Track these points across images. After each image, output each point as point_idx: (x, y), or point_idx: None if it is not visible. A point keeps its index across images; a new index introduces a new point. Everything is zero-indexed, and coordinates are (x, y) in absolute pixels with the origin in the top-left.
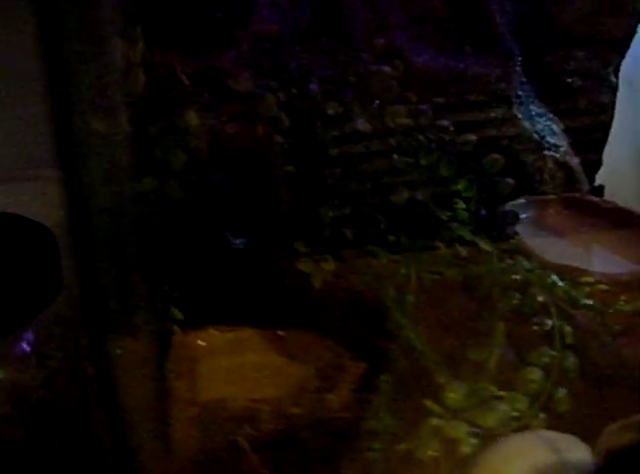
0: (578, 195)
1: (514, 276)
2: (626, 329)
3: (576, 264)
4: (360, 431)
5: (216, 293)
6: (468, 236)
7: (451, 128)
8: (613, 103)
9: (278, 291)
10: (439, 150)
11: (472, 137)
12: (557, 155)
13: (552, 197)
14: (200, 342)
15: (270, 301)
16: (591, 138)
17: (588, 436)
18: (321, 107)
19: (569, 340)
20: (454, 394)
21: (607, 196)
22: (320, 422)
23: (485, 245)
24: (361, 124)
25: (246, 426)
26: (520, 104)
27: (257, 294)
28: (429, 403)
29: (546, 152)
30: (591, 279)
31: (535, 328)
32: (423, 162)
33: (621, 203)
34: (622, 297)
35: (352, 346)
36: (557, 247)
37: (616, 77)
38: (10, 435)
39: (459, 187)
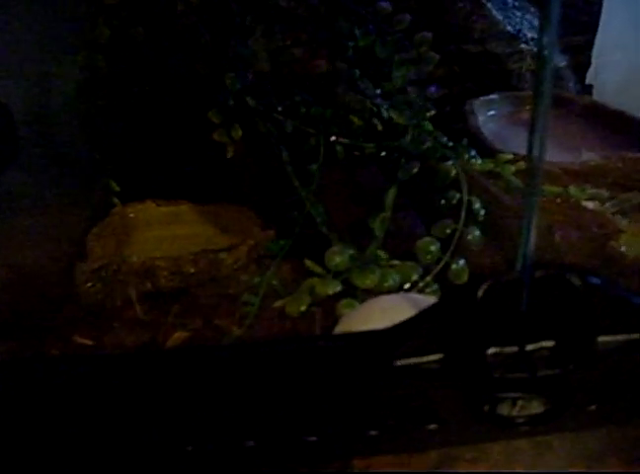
0: (556, 91)
1: (424, 147)
2: (564, 216)
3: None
4: (244, 288)
5: (154, 168)
6: (385, 112)
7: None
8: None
9: (200, 165)
10: (376, 33)
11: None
12: (535, 49)
13: (529, 92)
14: (132, 214)
15: (199, 176)
16: (578, 35)
17: None
18: None
19: (479, 217)
20: (339, 257)
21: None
22: (212, 280)
23: (399, 118)
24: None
25: (147, 281)
26: None
27: (189, 169)
28: (310, 263)
29: (524, 46)
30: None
31: (443, 201)
32: (361, 43)
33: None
34: (566, 187)
35: (265, 215)
36: (520, 138)
37: None
38: None
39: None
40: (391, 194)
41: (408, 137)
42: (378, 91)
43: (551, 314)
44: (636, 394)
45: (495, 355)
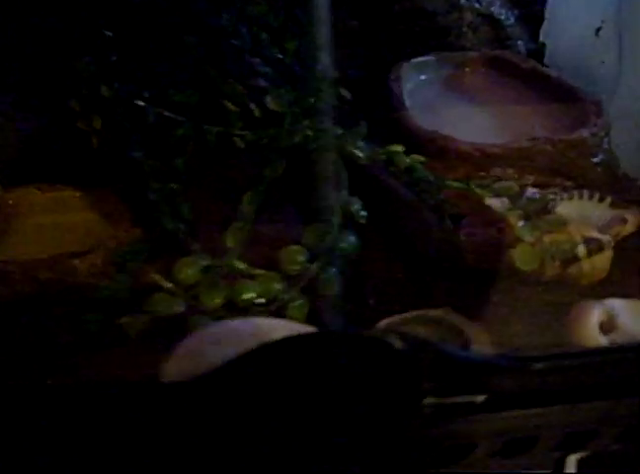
0: (498, 52)
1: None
2: (471, 212)
3: (454, 130)
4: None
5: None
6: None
7: None
8: None
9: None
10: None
11: None
12: (478, 5)
13: (471, 54)
14: (12, 201)
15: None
16: None
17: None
18: None
19: (359, 218)
20: (190, 269)
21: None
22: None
23: (275, 106)
24: None
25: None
26: None
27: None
28: (157, 277)
29: (463, 1)
30: (461, 148)
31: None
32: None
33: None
34: (488, 171)
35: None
36: (449, 109)
37: None
38: None
39: None
40: (249, 198)
41: (285, 125)
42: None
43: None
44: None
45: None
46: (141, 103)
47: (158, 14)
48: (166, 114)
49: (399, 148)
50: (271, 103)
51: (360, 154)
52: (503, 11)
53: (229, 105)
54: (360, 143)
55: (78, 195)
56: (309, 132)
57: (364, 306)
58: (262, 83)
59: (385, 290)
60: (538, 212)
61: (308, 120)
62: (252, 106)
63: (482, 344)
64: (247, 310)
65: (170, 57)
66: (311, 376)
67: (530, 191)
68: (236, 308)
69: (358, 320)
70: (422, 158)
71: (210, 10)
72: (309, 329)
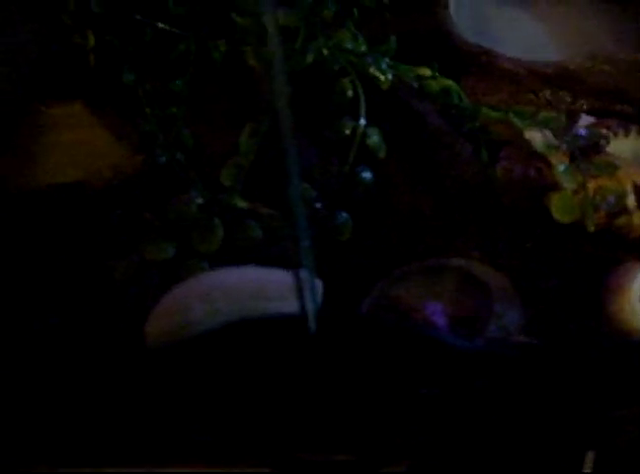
0: None
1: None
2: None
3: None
4: None
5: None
6: None
7: None
8: None
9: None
10: None
11: None
12: None
13: None
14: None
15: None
16: None
17: None
18: None
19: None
20: (184, 207)
21: None
22: None
23: (287, 20)
24: None
25: None
26: None
27: None
28: (147, 215)
29: None
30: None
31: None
32: None
33: None
34: (537, 93)
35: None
36: (500, 16)
37: None
38: None
39: None
40: (249, 130)
41: (298, 42)
42: None
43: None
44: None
45: None
46: (137, 16)
47: None
48: (165, 28)
49: (427, 72)
50: (282, 16)
51: (382, 78)
52: None
53: (238, 18)
54: (384, 65)
55: (86, 110)
56: (325, 51)
57: (384, 246)
58: None
59: (409, 228)
60: (586, 151)
61: (324, 38)
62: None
63: (507, 300)
64: (246, 253)
65: None
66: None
67: (581, 124)
68: (235, 250)
69: (372, 265)
70: (451, 83)
71: None
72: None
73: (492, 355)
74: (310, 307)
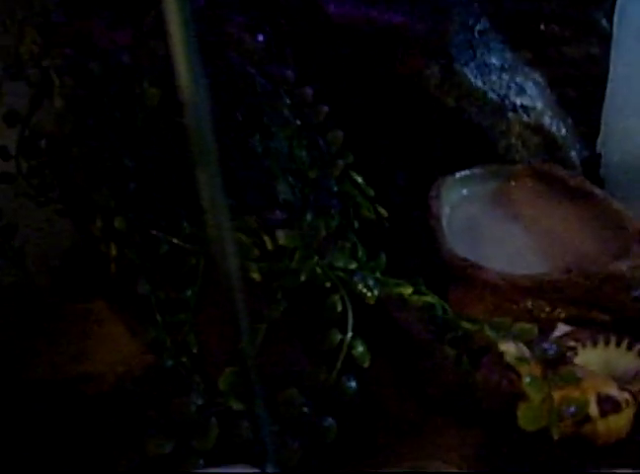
0: (546, 165)
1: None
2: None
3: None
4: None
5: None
6: None
7: None
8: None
9: None
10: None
11: None
12: (526, 118)
13: (517, 167)
14: None
15: None
16: (581, 96)
17: None
18: None
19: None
20: (186, 409)
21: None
22: None
23: (285, 241)
24: None
25: None
26: (471, 58)
27: None
28: (153, 414)
29: (510, 114)
30: (487, 278)
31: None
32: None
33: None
34: (518, 303)
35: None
36: (491, 227)
37: (609, 22)
38: None
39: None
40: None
41: (294, 261)
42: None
43: None
44: None
45: None
46: (155, 233)
47: (179, 145)
48: (179, 243)
49: (409, 290)
50: (281, 238)
51: (369, 294)
52: (554, 121)
53: (244, 237)
54: (372, 282)
55: (106, 307)
56: (318, 270)
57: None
58: (278, 215)
59: (394, 430)
60: (554, 362)
61: (317, 257)
62: (266, 238)
63: None
64: (241, 451)
65: (188, 188)
66: None
67: (557, 333)
68: (231, 447)
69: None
70: (433, 299)
71: (233, 141)
72: None
73: None
74: None
